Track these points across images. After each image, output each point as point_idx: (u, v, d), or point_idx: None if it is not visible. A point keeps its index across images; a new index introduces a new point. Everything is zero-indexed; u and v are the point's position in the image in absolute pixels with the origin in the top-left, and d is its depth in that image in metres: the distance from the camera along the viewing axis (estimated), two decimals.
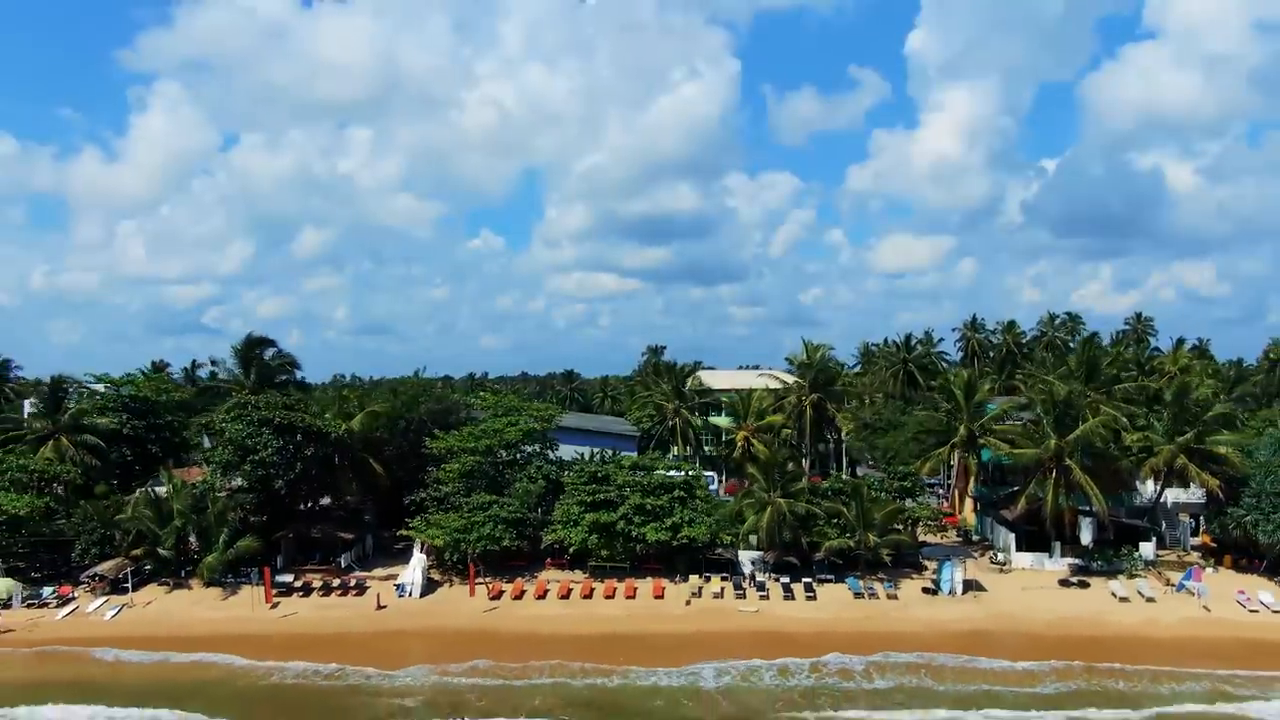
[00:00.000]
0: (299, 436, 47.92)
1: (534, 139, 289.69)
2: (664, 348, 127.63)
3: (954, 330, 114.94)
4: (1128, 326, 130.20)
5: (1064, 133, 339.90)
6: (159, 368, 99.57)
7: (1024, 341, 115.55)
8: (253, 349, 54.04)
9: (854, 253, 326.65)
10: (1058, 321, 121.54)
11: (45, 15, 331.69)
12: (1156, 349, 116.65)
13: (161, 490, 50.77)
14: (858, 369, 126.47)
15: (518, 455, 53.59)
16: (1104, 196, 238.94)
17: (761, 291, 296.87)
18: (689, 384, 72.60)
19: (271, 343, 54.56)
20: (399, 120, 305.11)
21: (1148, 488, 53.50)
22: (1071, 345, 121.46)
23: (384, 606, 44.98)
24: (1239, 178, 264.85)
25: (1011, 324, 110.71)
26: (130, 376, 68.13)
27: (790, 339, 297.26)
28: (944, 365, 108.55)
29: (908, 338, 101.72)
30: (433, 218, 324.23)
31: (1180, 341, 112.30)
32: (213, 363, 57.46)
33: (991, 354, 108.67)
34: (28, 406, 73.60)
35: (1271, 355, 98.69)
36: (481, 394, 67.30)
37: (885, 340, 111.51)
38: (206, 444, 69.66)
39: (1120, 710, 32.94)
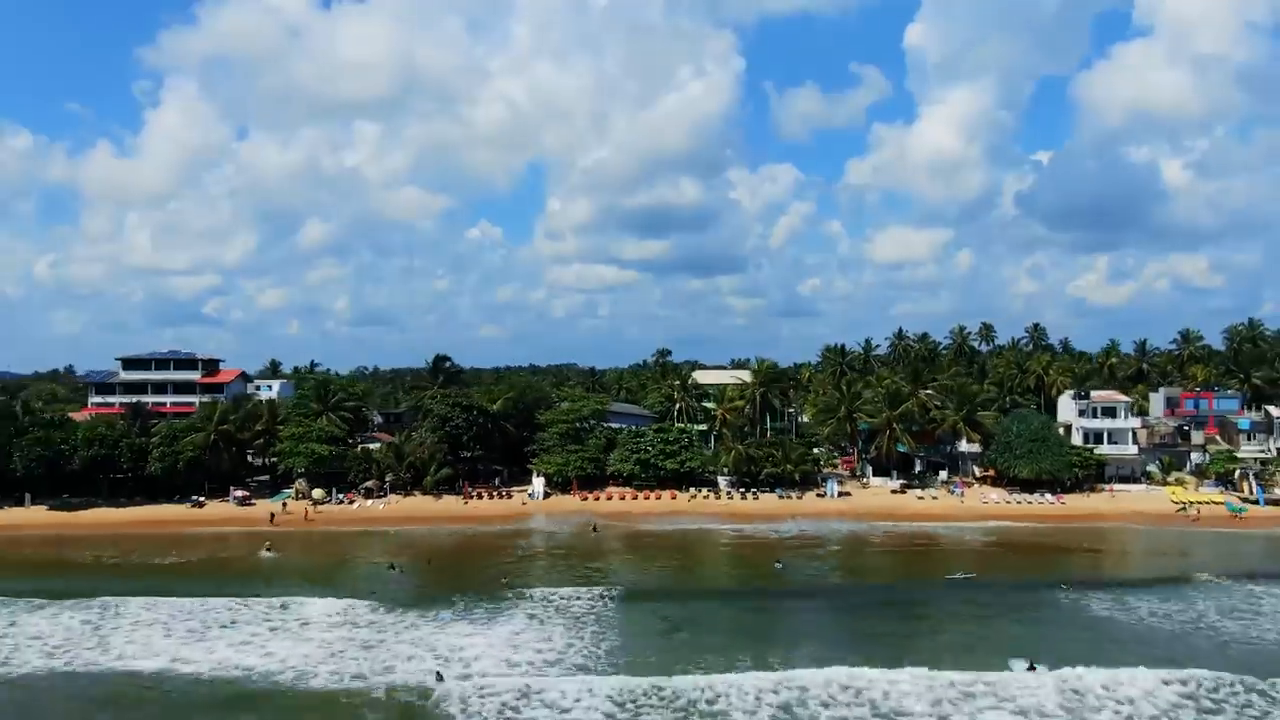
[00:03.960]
0: (474, 412, 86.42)
1: (541, 135, 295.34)
2: (669, 351, 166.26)
3: (886, 338, 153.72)
4: (1026, 335, 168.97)
5: (1060, 126, 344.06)
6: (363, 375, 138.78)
7: (941, 348, 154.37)
8: (439, 362, 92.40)
9: (852, 244, 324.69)
10: (967, 332, 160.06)
11: (66, 11, 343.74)
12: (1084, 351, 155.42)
13: (373, 445, 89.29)
14: (819, 366, 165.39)
15: (588, 424, 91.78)
16: (1097, 191, 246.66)
17: (760, 283, 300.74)
18: (689, 381, 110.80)
19: (448, 358, 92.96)
20: (410, 116, 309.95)
21: (962, 442, 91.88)
22: (980, 350, 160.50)
23: (524, 504, 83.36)
24: (1227, 173, 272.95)
25: (925, 335, 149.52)
26: (335, 373, 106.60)
27: (789, 329, 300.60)
28: (876, 365, 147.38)
29: (841, 346, 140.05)
30: (437, 210, 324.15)
31: (1050, 347, 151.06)
32: (410, 372, 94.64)
33: (912, 356, 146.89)
34: (249, 389, 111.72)
35: (1101, 360, 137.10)
36: (563, 388, 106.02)
37: (832, 345, 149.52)
38: (378, 419, 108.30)
39: (872, 527, 71.50)
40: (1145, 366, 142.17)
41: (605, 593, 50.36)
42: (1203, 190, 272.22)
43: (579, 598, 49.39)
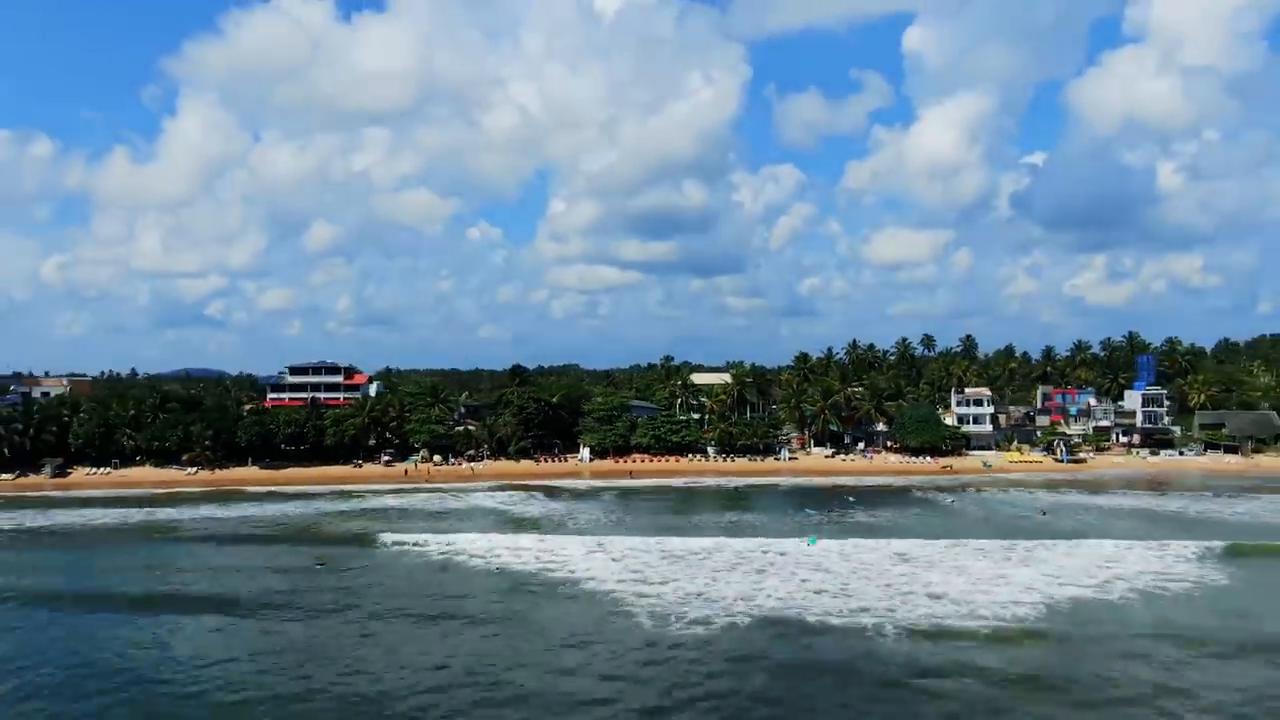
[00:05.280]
0: (541, 403, 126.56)
1: (551, 141, 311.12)
2: (672, 357, 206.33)
3: (841, 348, 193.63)
4: (959, 344, 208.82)
5: (1052, 128, 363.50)
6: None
7: (889, 355, 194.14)
8: (516, 370, 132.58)
9: (851, 245, 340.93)
10: (909, 342, 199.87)
11: (94, 22, 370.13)
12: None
13: (472, 426, 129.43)
14: (791, 368, 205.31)
15: (617, 411, 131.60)
16: (1090, 192, 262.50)
17: (761, 283, 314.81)
18: (687, 381, 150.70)
19: (523, 367, 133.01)
20: (422, 123, 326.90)
21: (879, 424, 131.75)
22: (918, 356, 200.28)
23: (576, 465, 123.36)
24: (1218, 176, 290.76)
25: (871, 346, 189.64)
26: (429, 377, 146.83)
27: (789, 328, 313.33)
28: (835, 368, 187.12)
29: (805, 354, 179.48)
30: (444, 214, 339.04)
31: (965, 353, 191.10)
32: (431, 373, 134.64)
33: (860, 361, 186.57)
34: (372, 389, 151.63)
35: (1003, 364, 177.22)
36: (599, 387, 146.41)
37: (800, 353, 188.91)
38: (463, 409, 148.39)
39: (798, 480, 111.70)
40: (1049, 369, 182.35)
41: (637, 499, 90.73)
42: (1194, 192, 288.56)
43: (627, 499, 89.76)
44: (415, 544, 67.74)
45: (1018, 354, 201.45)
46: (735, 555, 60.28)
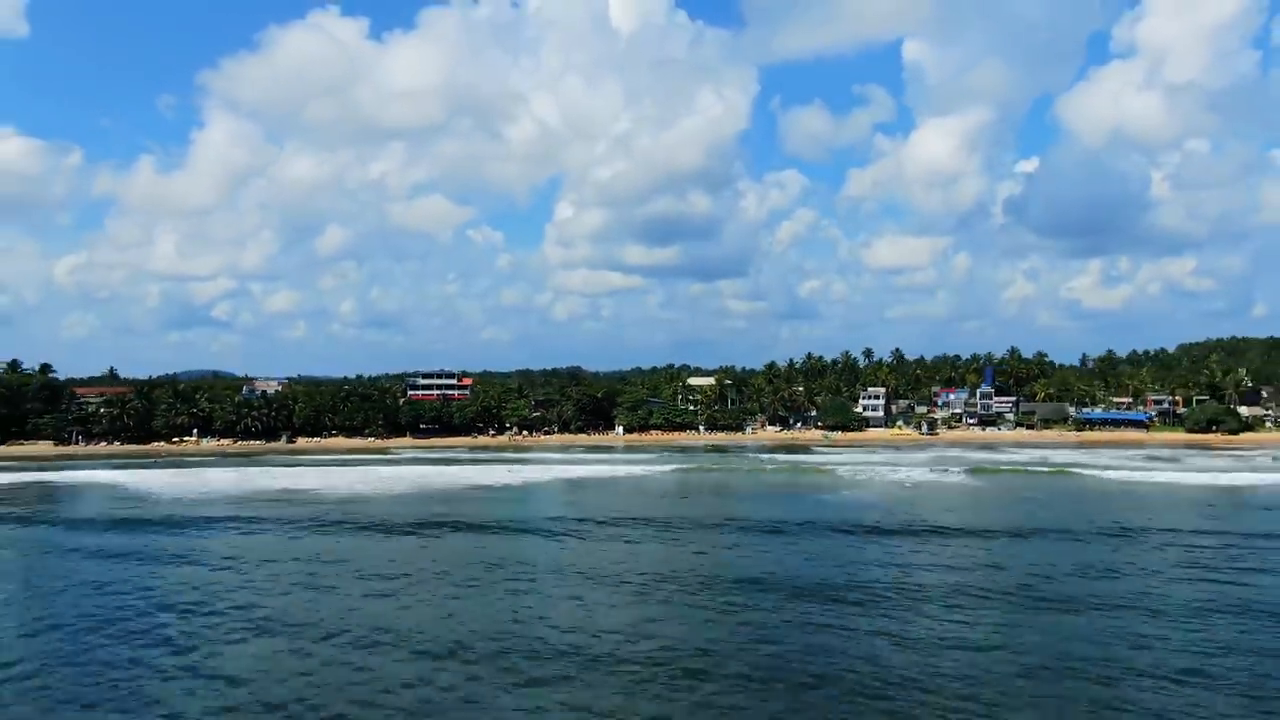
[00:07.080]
0: (591, 396, 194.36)
1: (565, 152, 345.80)
2: (673, 364, 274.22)
3: (801, 359, 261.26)
4: (891, 358, 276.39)
5: (1048, 139, 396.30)
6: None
7: (835, 364, 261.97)
8: (572, 374, 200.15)
9: (851, 249, 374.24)
10: (853, 356, 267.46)
11: (128, 33, 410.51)
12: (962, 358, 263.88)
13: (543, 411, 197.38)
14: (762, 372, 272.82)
15: (640, 402, 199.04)
16: (1083, 200, 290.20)
17: (762, 286, 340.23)
18: (685, 383, 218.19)
19: (573, 368, 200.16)
20: (446, 136, 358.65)
21: (812, 411, 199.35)
22: (859, 365, 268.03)
23: (614, 438, 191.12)
24: (1204, 185, 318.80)
25: (820, 358, 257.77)
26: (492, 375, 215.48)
27: (789, 330, 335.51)
28: (791, 374, 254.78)
29: (771, 364, 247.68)
30: (456, 220, 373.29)
31: (890, 362, 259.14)
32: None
33: (810, 369, 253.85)
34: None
35: (914, 372, 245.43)
36: (626, 384, 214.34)
37: (770, 361, 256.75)
38: (534, 401, 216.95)
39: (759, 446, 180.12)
40: (953, 374, 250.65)
41: (656, 451, 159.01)
42: (1182, 200, 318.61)
43: (651, 451, 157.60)
44: (567, 460, 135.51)
45: (961, 359, 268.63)
46: (722, 472, 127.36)
